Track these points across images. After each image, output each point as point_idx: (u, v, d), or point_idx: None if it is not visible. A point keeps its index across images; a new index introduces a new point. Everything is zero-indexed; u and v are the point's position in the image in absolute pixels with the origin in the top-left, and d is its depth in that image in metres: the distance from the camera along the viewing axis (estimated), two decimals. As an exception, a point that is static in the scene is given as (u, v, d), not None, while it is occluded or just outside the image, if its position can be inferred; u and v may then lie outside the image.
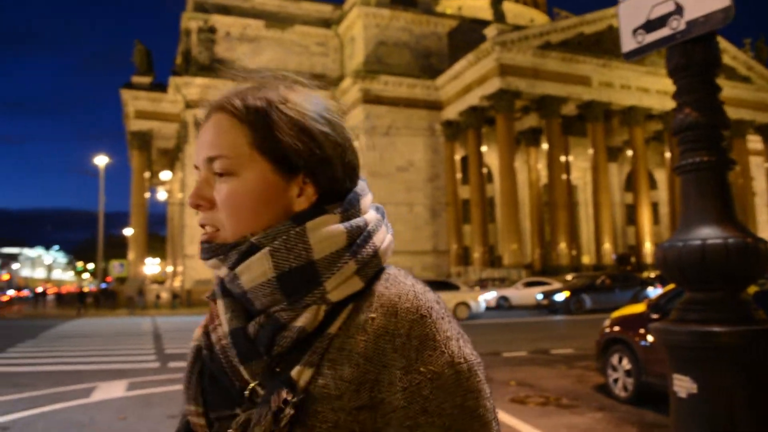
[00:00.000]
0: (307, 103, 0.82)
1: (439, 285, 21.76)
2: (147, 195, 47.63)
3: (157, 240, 75.49)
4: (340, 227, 0.79)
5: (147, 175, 47.06)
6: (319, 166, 0.81)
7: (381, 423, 0.73)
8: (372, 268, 0.80)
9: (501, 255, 37.82)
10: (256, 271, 0.77)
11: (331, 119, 0.83)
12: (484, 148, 40.16)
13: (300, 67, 40.05)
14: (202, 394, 0.81)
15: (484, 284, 31.11)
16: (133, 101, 44.67)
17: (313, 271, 0.77)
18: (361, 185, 0.86)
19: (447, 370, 0.74)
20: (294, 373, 0.74)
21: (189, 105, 38.60)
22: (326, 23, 44.76)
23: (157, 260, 67.06)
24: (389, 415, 0.73)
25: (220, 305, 0.83)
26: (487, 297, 26.17)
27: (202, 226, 0.82)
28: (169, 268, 51.25)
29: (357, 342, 0.74)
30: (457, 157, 42.32)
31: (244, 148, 0.79)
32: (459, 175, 42.35)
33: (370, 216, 0.84)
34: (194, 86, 39.04)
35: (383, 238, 0.83)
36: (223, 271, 0.81)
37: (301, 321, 0.76)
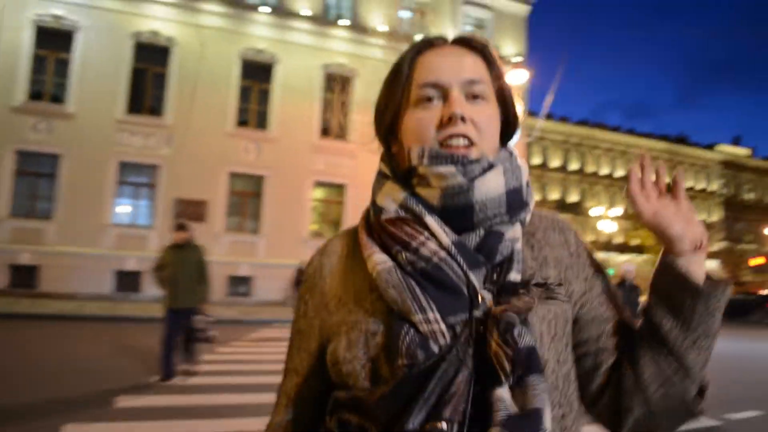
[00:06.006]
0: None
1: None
2: None
3: None
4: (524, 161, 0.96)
5: None
6: (507, 106, 0.96)
7: (577, 306, 0.94)
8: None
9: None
10: (492, 184, 0.86)
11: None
12: None
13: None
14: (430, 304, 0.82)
15: None
16: None
17: (523, 192, 0.92)
18: None
19: (602, 266, 0.99)
20: (512, 276, 0.87)
21: None
22: None
23: None
24: (581, 299, 0.94)
25: (432, 221, 0.86)
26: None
27: (461, 136, 0.87)
28: None
29: (546, 252, 0.94)
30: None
31: (487, 79, 0.93)
32: None
33: None
34: None
35: None
36: (451, 182, 0.86)
37: (513, 233, 0.89)
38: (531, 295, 0.85)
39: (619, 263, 21.36)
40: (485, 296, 0.83)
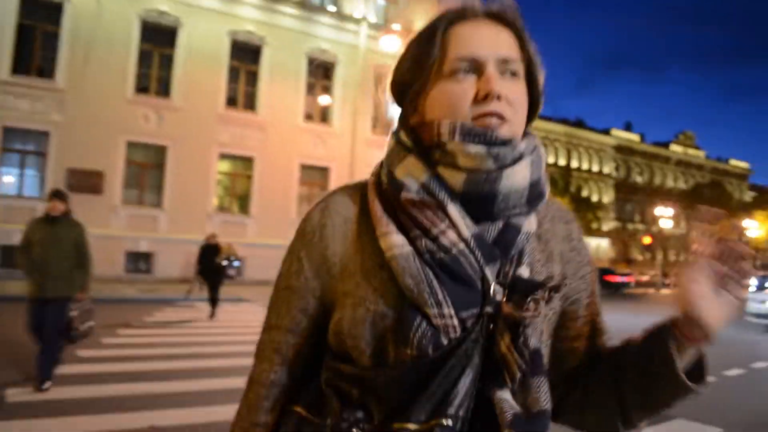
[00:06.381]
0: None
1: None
2: None
3: None
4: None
5: None
6: (534, 85, 0.93)
7: (567, 303, 0.97)
8: None
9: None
10: (519, 177, 0.85)
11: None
12: None
13: None
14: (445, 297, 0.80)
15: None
16: None
17: (542, 184, 0.90)
18: None
19: (591, 260, 1.01)
20: (521, 271, 0.86)
21: None
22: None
23: None
24: (573, 297, 0.97)
25: (455, 211, 0.84)
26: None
27: (496, 114, 0.85)
28: None
29: (552, 246, 0.96)
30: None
31: (519, 56, 0.90)
32: None
33: None
34: None
35: None
36: (479, 165, 0.83)
37: (528, 226, 0.89)
38: (543, 297, 0.81)
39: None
40: (497, 291, 0.83)
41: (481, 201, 0.84)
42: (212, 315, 12.42)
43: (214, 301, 12.58)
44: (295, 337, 0.94)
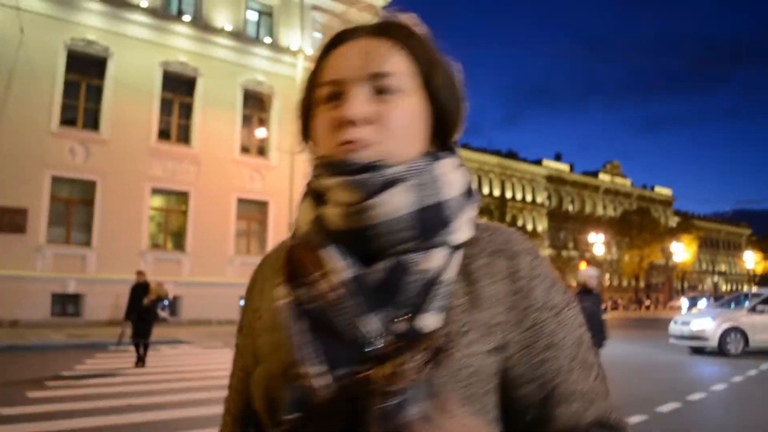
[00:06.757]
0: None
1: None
2: None
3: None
4: (465, 171, 0.82)
5: None
6: (440, 99, 0.81)
7: (511, 363, 0.75)
8: (477, 216, 0.82)
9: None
10: (397, 203, 0.73)
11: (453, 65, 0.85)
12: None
13: None
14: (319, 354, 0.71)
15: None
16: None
17: (444, 211, 0.76)
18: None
19: (565, 306, 0.79)
20: (422, 320, 0.71)
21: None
22: None
23: None
24: (517, 354, 0.75)
25: (329, 252, 0.74)
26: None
27: (351, 141, 0.75)
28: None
29: (482, 287, 0.76)
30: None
31: (406, 69, 0.79)
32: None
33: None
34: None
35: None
36: (342, 198, 0.74)
37: (429, 264, 0.74)
38: (438, 351, 0.69)
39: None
40: (379, 347, 0.70)
41: (357, 237, 0.74)
42: (140, 361, 11.09)
43: (144, 345, 11.16)
44: (241, 397, 0.90)
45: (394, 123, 0.77)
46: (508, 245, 0.80)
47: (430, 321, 0.72)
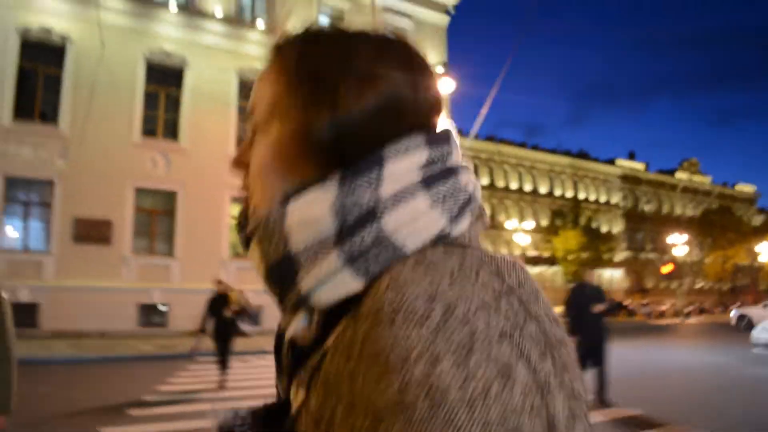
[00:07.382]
0: None
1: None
2: None
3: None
4: (324, 208, 0.57)
5: None
6: (354, 104, 0.61)
7: None
8: (380, 260, 0.55)
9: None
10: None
11: None
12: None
13: None
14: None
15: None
16: None
17: (289, 266, 0.58)
18: (417, 140, 0.60)
19: (391, 408, 0.45)
20: (291, 392, 0.60)
21: None
22: None
23: None
24: None
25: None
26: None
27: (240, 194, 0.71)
28: None
29: (330, 362, 0.53)
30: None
31: (276, 95, 0.65)
32: None
33: (401, 183, 0.57)
34: None
35: (416, 214, 0.57)
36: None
37: (290, 330, 0.63)
38: None
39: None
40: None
41: None
42: (222, 383, 9.91)
43: (223, 363, 9.96)
44: None
45: (254, 166, 0.66)
46: (377, 303, 0.51)
47: (295, 394, 0.59)
